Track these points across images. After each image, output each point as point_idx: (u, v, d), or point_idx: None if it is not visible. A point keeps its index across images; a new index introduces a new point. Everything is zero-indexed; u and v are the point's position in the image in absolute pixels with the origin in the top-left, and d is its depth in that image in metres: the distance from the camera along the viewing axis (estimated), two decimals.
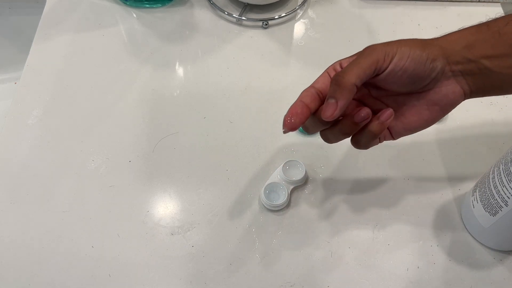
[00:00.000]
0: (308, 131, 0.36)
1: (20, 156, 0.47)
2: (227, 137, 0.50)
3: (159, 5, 0.62)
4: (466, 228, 0.44)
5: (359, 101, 0.37)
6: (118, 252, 0.41)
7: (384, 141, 0.37)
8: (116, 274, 0.40)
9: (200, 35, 0.59)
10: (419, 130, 0.36)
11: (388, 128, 0.36)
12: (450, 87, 0.34)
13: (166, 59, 0.57)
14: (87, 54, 0.57)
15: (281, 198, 0.44)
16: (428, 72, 0.32)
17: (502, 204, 0.37)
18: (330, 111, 0.31)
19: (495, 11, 0.61)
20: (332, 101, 0.31)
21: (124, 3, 0.62)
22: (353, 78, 0.31)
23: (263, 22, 0.60)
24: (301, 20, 0.62)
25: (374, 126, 0.33)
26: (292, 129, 0.32)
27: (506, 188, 0.36)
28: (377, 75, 0.32)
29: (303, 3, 0.62)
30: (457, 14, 0.62)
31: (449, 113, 0.55)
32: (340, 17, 0.62)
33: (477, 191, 0.41)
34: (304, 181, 0.46)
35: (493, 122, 0.52)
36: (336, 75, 0.31)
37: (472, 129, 0.51)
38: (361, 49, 0.33)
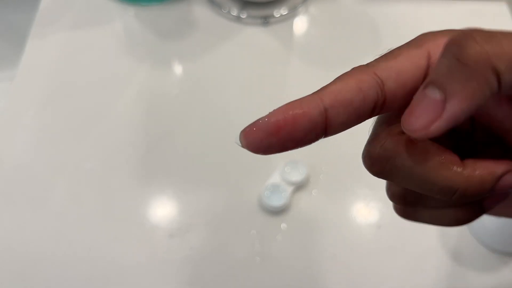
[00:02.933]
0: None
1: (15, 157, 0.47)
2: (226, 137, 0.49)
3: (157, 2, 0.61)
4: (470, 230, 0.43)
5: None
6: (115, 254, 0.41)
7: None
8: (113, 277, 0.40)
9: (199, 33, 0.58)
10: None
11: None
12: None
13: (164, 57, 0.56)
14: (83, 52, 0.56)
15: (282, 200, 0.43)
16: None
17: None
18: (425, 119, 0.14)
19: (500, 9, 0.61)
20: (435, 94, 0.14)
21: (121, 0, 0.61)
22: (503, 60, 0.14)
23: (263, 20, 0.59)
24: (302, 17, 0.61)
25: None
26: (263, 147, 0.16)
27: None
28: None
29: (304, 0, 0.62)
30: (462, 12, 0.62)
31: None
32: (342, 14, 0.61)
33: None
34: (305, 182, 0.45)
35: None
36: (461, 40, 0.14)
37: None
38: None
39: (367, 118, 0.16)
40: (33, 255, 0.41)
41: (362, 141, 0.25)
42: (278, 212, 0.43)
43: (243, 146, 0.16)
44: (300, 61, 0.56)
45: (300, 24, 0.60)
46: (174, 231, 0.42)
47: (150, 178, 0.46)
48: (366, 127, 0.28)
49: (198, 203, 0.44)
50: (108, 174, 0.46)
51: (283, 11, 0.60)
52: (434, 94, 0.14)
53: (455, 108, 0.14)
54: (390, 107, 0.17)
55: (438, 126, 0.14)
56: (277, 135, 0.15)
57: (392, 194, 0.19)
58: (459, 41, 0.14)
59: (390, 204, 0.49)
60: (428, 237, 0.43)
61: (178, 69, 0.56)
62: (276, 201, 0.43)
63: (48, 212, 0.43)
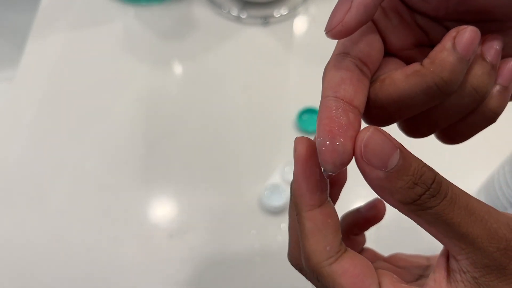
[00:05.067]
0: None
1: (14, 156, 0.46)
2: (226, 137, 0.49)
3: (157, 2, 0.61)
4: None
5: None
6: (115, 255, 0.41)
7: None
8: (113, 278, 0.40)
9: (199, 33, 0.58)
10: None
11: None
12: None
13: (164, 57, 0.56)
14: (83, 52, 0.56)
15: (282, 200, 0.43)
16: None
17: (507, 206, 0.37)
18: (339, 14, 0.17)
19: None
20: None
21: (122, 0, 0.61)
22: None
23: (263, 20, 0.59)
24: (302, 17, 0.61)
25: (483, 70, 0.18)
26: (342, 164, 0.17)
27: (511, 190, 0.36)
28: None
29: (304, 0, 0.62)
30: None
31: None
32: None
33: (482, 192, 0.40)
34: None
35: (498, 121, 0.51)
36: None
37: None
38: None
39: None
40: (33, 255, 0.41)
41: None
42: (278, 212, 0.43)
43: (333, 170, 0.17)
44: (300, 61, 0.56)
45: (300, 24, 0.60)
46: (174, 231, 0.42)
47: (150, 178, 0.46)
48: None
49: (198, 203, 0.44)
50: (108, 174, 0.46)
51: (283, 11, 0.60)
52: None
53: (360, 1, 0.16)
54: None
55: (349, 15, 0.16)
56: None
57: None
58: None
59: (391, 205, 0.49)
60: (427, 237, 0.42)
61: (178, 69, 0.56)
62: (276, 201, 0.43)
63: (48, 212, 0.43)
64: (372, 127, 0.16)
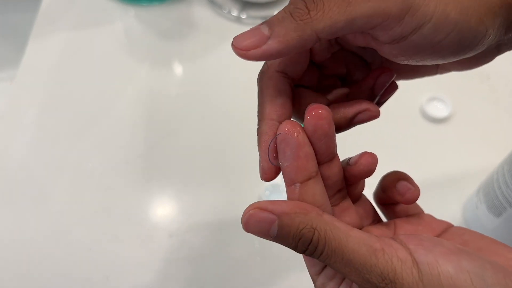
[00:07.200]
0: None
1: (15, 157, 0.47)
2: (227, 137, 0.49)
3: (157, 2, 0.61)
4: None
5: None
6: (116, 254, 0.41)
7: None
8: (114, 277, 0.40)
9: (199, 33, 0.58)
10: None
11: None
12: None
13: (164, 57, 0.56)
14: (84, 52, 0.56)
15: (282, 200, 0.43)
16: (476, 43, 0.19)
17: (506, 205, 0.37)
18: (249, 44, 0.18)
19: None
20: (265, 30, 0.18)
21: (122, 0, 0.61)
22: (324, 22, 0.18)
23: (263, 20, 0.59)
24: None
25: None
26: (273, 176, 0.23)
27: (510, 189, 0.36)
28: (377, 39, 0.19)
29: None
30: None
31: (454, 112, 0.54)
32: None
33: (481, 191, 0.40)
34: None
35: (498, 121, 0.51)
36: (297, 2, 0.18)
37: (477, 129, 0.51)
38: None
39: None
40: (33, 255, 0.41)
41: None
42: None
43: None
44: None
45: None
46: (174, 231, 0.42)
47: (150, 178, 0.46)
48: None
49: (198, 203, 0.44)
50: (108, 174, 0.46)
51: None
52: (264, 30, 0.18)
53: (273, 45, 0.18)
54: None
55: (254, 53, 0.18)
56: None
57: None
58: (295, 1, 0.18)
59: None
60: None
61: (178, 69, 0.56)
62: None
63: (48, 211, 0.43)
64: (253, 208, 0.19)
